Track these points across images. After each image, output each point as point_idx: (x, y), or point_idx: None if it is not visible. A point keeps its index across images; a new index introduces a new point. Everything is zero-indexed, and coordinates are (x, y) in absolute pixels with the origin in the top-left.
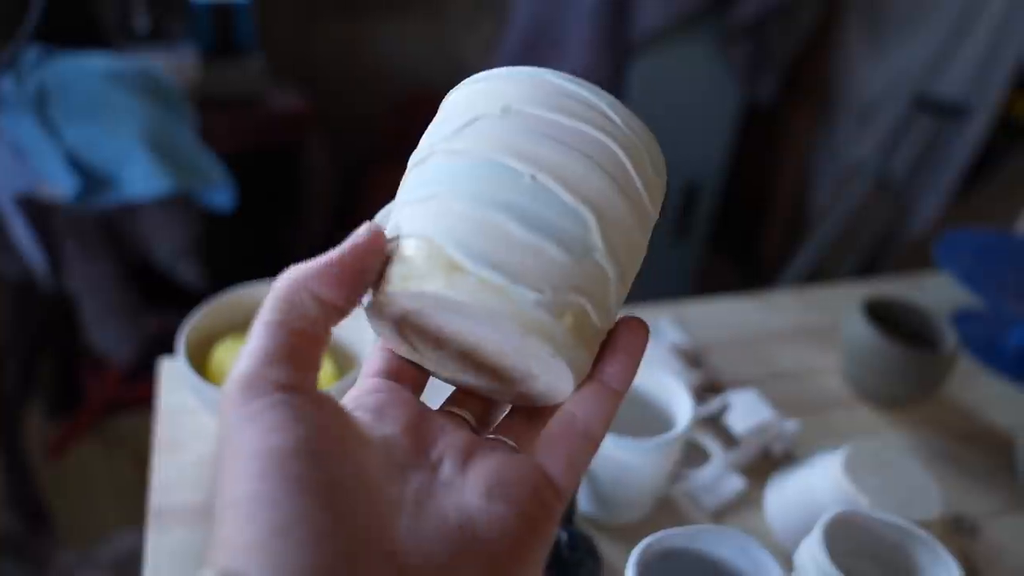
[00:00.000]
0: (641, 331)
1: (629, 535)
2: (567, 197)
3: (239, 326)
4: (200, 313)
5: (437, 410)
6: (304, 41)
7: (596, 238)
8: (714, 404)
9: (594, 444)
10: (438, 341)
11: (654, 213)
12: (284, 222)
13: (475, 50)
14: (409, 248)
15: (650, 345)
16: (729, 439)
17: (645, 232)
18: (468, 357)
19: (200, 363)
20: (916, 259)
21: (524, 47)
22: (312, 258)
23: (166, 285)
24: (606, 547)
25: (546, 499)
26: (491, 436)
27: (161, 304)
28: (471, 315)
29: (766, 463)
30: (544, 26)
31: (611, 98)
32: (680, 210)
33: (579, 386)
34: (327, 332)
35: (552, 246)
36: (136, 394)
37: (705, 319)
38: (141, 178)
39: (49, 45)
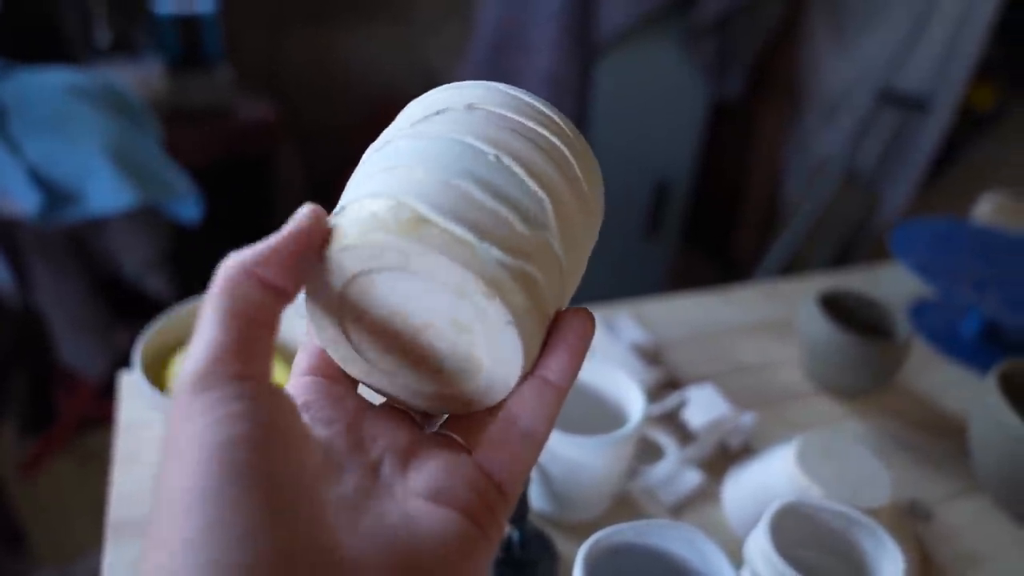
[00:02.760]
0: (585, 323)
1: (587, 532)
2: (526, 178)
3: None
4: (156, 325)
5: (379, 406)
6: (272, 51)
7: (551, 221)
8: (671, 400)
9: (537, 444)
10: (376, 325)
11: (596, 219)
12: (257, 234)
13: (443, 55)
14: (372, 205)
15: (608, 343)
16: (687, 435)
17: (589, 233)
18: (407, 344)
19: (158, 375)
20: (887, 250)
21: (492, 50)
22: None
23: (137, 299)
24: (563, 545)
25: (490, 501)
26: (435, 432)
27: (132, 318)
28: (431, 274)
29: (724, 457)
30: (511, 29)
31: (561, 113)
32: (651, 208)
33: (520, 382)
34: (276, 318)
35: (513, 216)
36: (109, 410)
37: (665, 316)
38: (106, 192)
39: (9, 60)
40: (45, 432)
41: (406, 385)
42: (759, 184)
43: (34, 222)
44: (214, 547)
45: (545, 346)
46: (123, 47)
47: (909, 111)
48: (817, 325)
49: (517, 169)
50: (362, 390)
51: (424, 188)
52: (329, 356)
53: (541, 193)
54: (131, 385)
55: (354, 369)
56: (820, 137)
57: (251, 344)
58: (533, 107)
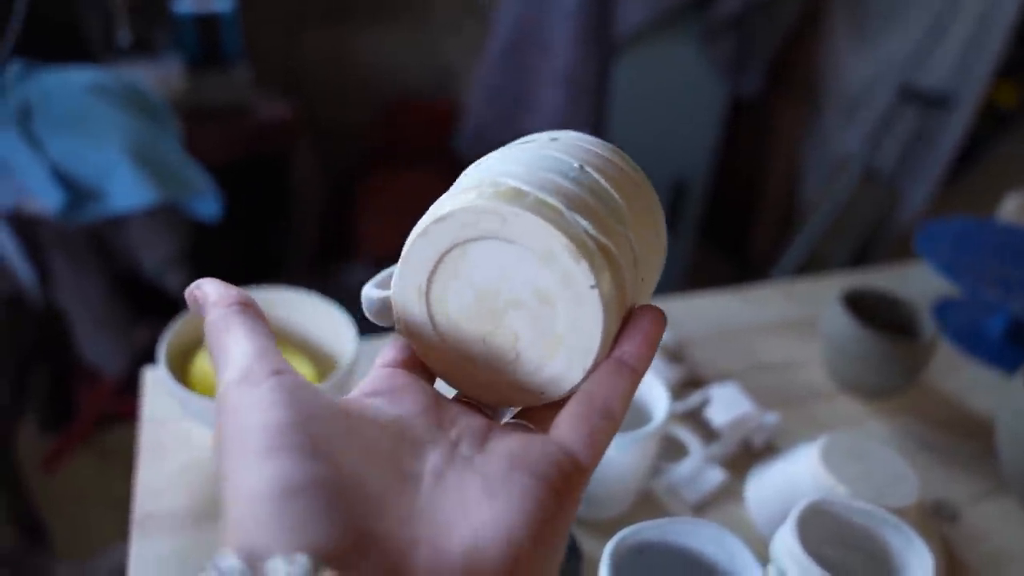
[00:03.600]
0: (659, 317)
1: (610, 530)
2: (608, 187)
3: None
4: (181, 321)
5: (452, 399)
6: (290, 49)
7: (628, 218)
8: (694, 398)
9: (614, 422)
10: (462, 308)
11: (663, 254)
12: (274, 231)
13: (461, 54)
14: (469, 182)
15: None
16: (710, 433)
17: (659, 254)
18: (490, 328)
19: (182, 371)
20: (907, 249)
21: (509, 49)
22: (301, 265)
23: (157, 296)
24: (587, 542)
25: (568, 473)
26: (509, 421)
27: (153, 315)
28: (524, 236)
29: (747, 456)
30: (528, 27)
31: (624, 155)
32: (668, 206)
33: (596, 367)
34: (263, 329)
35: (599, 205)
36: (130, 406)
37: (687, 314)
38: (127, 190)
39: (32, 60)
40: (65, 428)
41: (484, 376)
42: (777, 182)
43: (56, 220)
44: (292, 523)
45: (622, 330)
46: (143, 47)
47: (931, 109)
48: (841, 324)
49: (598, 176)
50: (439, 385)
51: (520, 172)
52: (408, 351)
53: (618, 196)
54: (155, 381)
55: (433, 360)
56: (840, 135)
57: (274, 352)
58: (602, 144)
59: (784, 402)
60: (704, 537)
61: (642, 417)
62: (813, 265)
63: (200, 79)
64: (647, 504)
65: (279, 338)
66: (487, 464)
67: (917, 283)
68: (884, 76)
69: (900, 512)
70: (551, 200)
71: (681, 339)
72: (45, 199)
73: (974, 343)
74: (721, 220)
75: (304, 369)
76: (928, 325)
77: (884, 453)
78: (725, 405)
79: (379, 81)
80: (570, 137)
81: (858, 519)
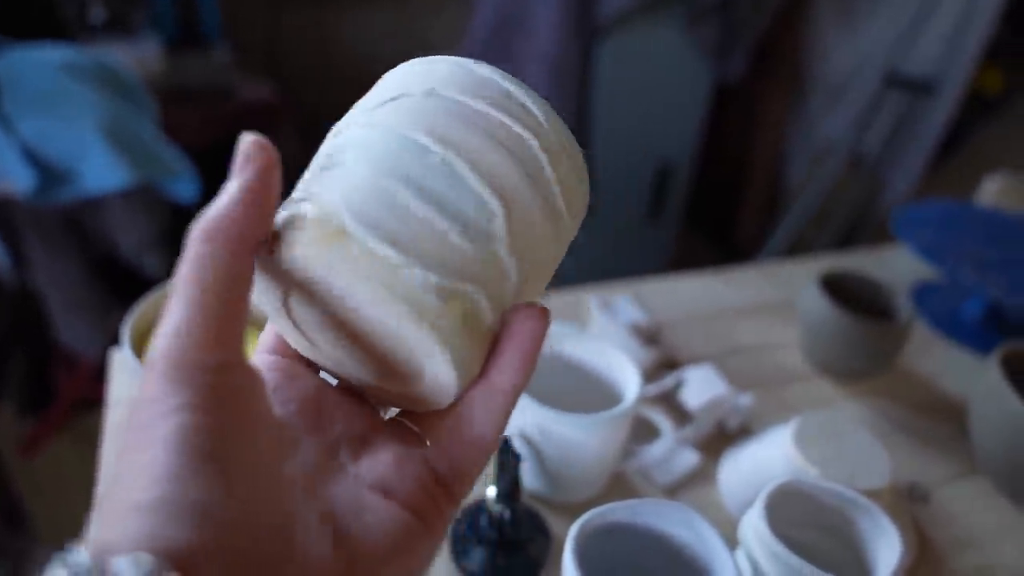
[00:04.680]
0: (537, 322)
1: (581, 513)
2: (475, 183)
3: None
4: (146, 302)
5: (337, 387)
6: (272, 30)
7: (500, 230)
8: (668, 380)
9: (486, 449)
10: (321, 321)
11: (570, 221)
12: None
13: (443, 37)
14: (304, 212)
15: (606, 323)
16: (684, 415)
17: (558, 237)
18: (351, 342)
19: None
20: (892, 233)
21: (492, 32)
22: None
23: (135, 279)
24: (557, 525)
25: (437, 498)
26: (392, 418)
27: (130, 298)
28: (356, 289)
29: (721, 438)
30: (511, 10)
31: (542, 101)
32: (653, 191)
33: (468, 388)
34: (250, 277)
35: (451, 228)
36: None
37: (664, 297)
38: (100, 171)
39: (2, 37)
40: (44, 412)
41: (357, 378)
42: (762, 167)
43: (29, 201)
44: (164, 520)
45: (496, 348)
46: (119, 26)
47: (916, 94)
48: (818, 306)
49: (466, 172)
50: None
51: (355, 195)
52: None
53: (491, 198)
54: (121, 362)
55: (309, 354)
56: (825, 120)
57: (223, 323)
58: (505, 93)
59: (760, 384)
60: (673, 519)
61: (613, 398)
62: (797, 250)
63: (178, 60)
64: (619, 487)
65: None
66: (360, 480)
67: (896, 267)
68: (869, 61)
69: (872, 494)
70: (383, 251)
71: (657, 321)
72: (16, 180)
73: (951, 326)
74: (706, 206)
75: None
76: (904, 308)
77: (858, 434)
78: (699, 387)
79: (362, 63)
80: (455, 82)
81: (828, 500)
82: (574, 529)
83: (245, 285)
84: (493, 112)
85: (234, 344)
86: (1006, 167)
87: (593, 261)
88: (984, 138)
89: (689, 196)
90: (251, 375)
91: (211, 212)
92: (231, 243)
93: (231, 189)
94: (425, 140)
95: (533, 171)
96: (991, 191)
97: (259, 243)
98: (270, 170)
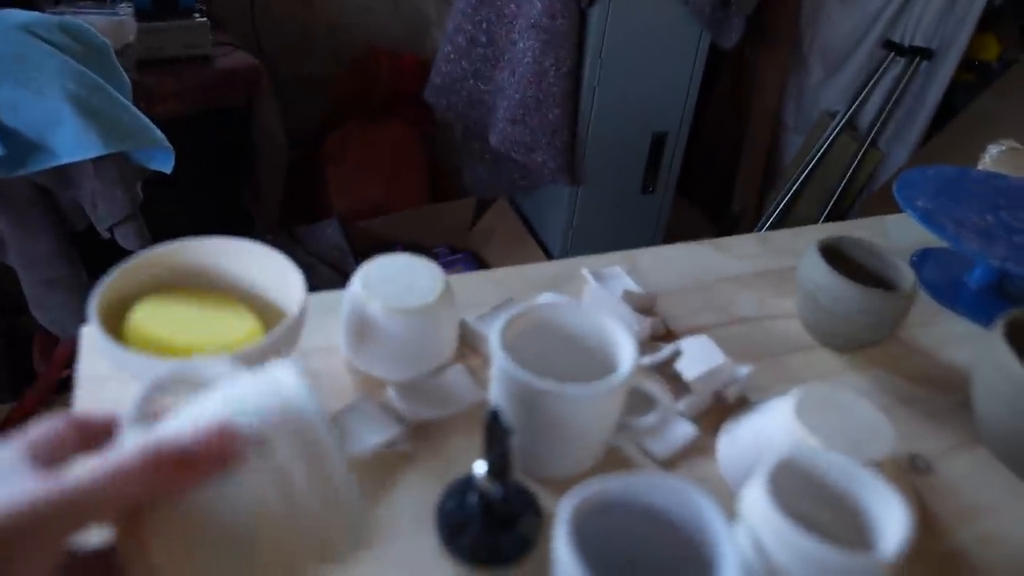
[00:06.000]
0: None
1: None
2: None
3: (158, 286)
4: (114, 274)
5: None
6: None
7: None
8: (665, 351)
9: None
10: None
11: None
12: (240, 187)
13: (432, 2)
14: None
15: (599, 293)
16: (681, 387)
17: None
18: None
19: (116, 327)
20: (889, 206)
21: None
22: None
23: (111, 255)
24: (550, 502)
25: None
26: None
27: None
28: None
29: (720, 410)
30: None
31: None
32: (648, 162)
33: None
34: None
35: None
36: None
37: (660, 267)
38: (71, 140)
39: None
40: (23, 395)
41: None
42: (759, 138)
43: None
44: None
45: None
46: None
47: (913, 62)
48: (818, 274)
49: None
50: None
51: None
52: None
53: None
54: (90, 338)
55: None
56: (822, 89)
57: None
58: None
59: (759, 355)
60: (670, 494)
61: (608, 369)
62: (795, 222)
63: (155, 27)
64: (613, 461)
65: (222, 290)
66: None
67: (899, 235)
68: (867, 29)
69: (874, 464)
70: None
71: (652, 291)
72: None
73: (953, 295)
74: (702, 177)
75: (248, 322)
76: (908, 276)
77: (860, 405)
78: (697, 358)
79: (346, 31)
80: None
81: (831, 473)
82: (566, 506)
83: None
84: None
85: None
86: (1002, 135)
87: (587, 234)
88: (981, 106)
89: (684, 167)
90: None
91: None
92: None
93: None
94: None
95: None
96: (990, 159)
97: None
98: None
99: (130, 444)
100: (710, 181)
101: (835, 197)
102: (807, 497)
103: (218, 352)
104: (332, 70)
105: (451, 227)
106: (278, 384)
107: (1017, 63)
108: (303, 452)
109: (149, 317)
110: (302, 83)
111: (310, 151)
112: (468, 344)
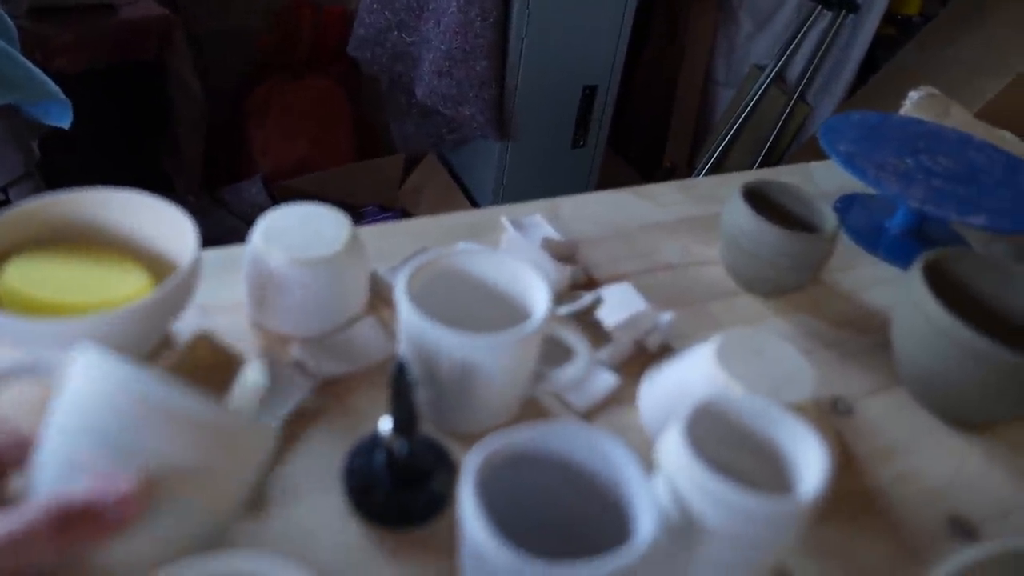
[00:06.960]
0: None
1: None
2: None
3: (34, 241)
4: None
5: None
6: None
7: None
8: (585, 299)
9: None
10: None
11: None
12: (157, 146)
13: None
14: None
15: (518, 240)
16: (602, 335)
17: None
18: None
19: None
20: (819, 156)
21: None
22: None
23: None
24: (463, 456)
25: None
26: None
27: None
28: None
29: (643, 358)
30: None
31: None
32: (578, 115)
33: None
34: None
35: None
36: None
37: (581, 214)
38: None
39: None
40: None
41: None
42: (690, 93)
43: None
44: None
45: None
46: None
47: (840, 15)
48: (741, 218)
49: None
50: None
51: None
52: None
53: None
54: None
55: None
56: (752, 43)
57: None
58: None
59: (682, 302)
60: (584, 445)
61: (522, 318)
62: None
63: None
64: (531, 413)
65: (109, 245)
66: None
67: (823, 181)
68: None
69: (796, 408)
70: None
71: (574, 239)
72: None
73: (875, 240)
74: (633, 131)
75: (138, 276)
76: (830, 219)
77: (782, 348)
78: (618, 305)
79: None
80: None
81: (750, 417)
82: (473, 460)
83: None
84: None
85: None
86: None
87: (518, 189)
88: (902, 60)
89: (617, 123)
90: None
91: None
92: None
93: None
94: None
95: None
96: (911, 107)
97: None
98: None
99: (33, 504)
100: (642, 137)
101: (765, 151)
102: (726, 443)
103: (102, 310)
104: (253, 24)
105: (380, 185)
106: (91, 378)
107: (937, 17)
108: (167, 431)
109: (23, 276)
110: (222, 38)
111: (232, 109)
112: (381, 297)
